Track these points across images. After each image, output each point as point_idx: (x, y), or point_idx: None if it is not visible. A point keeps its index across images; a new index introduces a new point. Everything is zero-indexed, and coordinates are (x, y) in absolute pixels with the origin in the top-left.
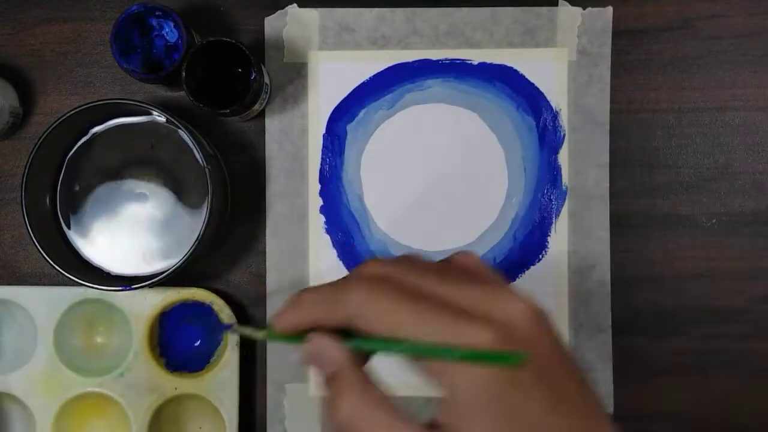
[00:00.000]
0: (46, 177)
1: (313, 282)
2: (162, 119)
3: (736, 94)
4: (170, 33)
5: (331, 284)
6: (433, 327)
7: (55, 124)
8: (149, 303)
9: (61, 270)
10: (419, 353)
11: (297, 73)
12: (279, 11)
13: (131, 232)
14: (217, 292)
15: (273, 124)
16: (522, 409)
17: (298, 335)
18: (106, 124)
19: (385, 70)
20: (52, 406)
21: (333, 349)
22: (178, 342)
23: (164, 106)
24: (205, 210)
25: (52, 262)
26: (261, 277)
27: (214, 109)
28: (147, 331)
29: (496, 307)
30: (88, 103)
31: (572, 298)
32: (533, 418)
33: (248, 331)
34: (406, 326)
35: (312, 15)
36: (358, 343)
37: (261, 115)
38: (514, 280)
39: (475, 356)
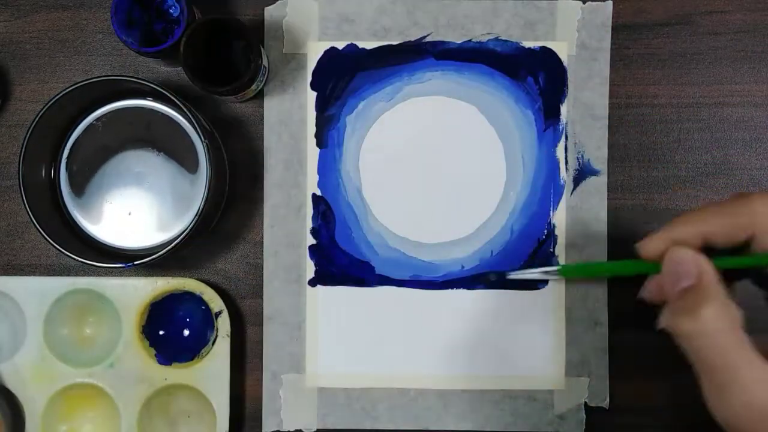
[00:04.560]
0: (44, 158)
1: (309, 273)
2: (158, 104)
3: (734, 89)
4: (174, 7)
5: (718, 204)
6: None
7: (51, 102)
8: (139, 293)
9: (60, 248)
10: None
11: (296, 63)
12: (279, 1)
13: (131, 210)
14: (210, 283)
15: (272, 115)
16: None
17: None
18: (104, 107)
19: (385, 62)
20: (41, 397)
21: (698, 260)
22: (169, 332)
23: (162, 86)
24: (204, 185)
25: (51, 240)
26: (257, 268)
27: (210, 86)
28: (137, 321)
29: None
30: (85, 80)
31: (569, 292)
32: None
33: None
34: None
35: (312, 5)
36: (730, 260)
37: (256, 100)
38: (511, 273)
39: None
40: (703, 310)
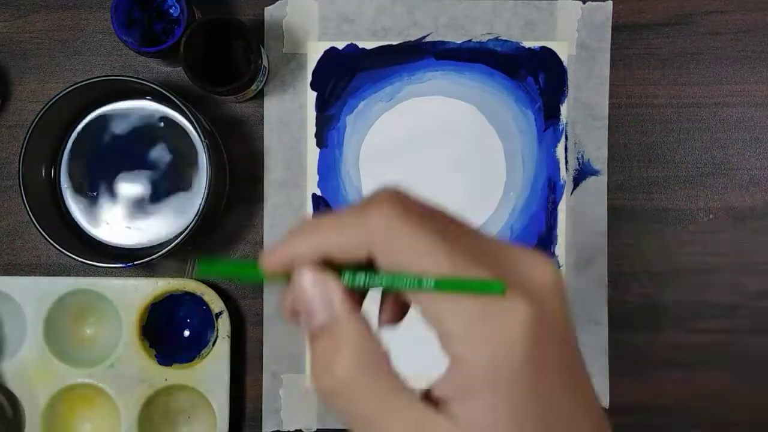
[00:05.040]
0: (44, 158)
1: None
2: (158, 104)
3: (734, 89)
4: (174, 7)
5: (343, 210)
6: (464, 272)
7: (51, 102)
8: (139, 294)
9: (60, 248)
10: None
11: (296, 63)
12: (279, 1)
13: (131, 210)
14: (210, 283)
15: (272, 115)
16: (541, 390)
17: (273, 277)
18: (104, 107)
19: (385, 62)
20: (42, 397)
21: (328, 289)
22: (169, 333)
23: (162, 86)
24: (204, 185)
25: (51, 240)
26: None
27: (210, 86)
28: (137, 321)
29: (531, 272)
30: (85, 80)
31: (569, 292)
32: (554, 400)
33: (189, 269)
34: (435, 263)
35: (312, 5)
36: (360, 278)
37: (256, 100)
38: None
39: (458, 284)
40: (338, 360)
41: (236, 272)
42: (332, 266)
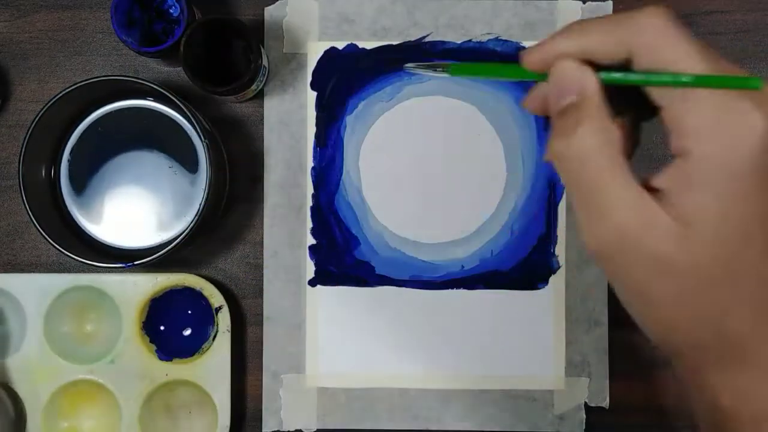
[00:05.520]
0: (44, 158)
1: (309, 273)
2: (158, 104)
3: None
4: (174, 7)
5: (609, 16)
6: (715, 68)
7: (51, 102)
8: (139, 289)
9: (60, 248)
10: (669, 83)
11: (296, 63)
12: (279, 1)
13: (131, 210)
14: (210, 280)
15: (272, 115)
16: (751, 203)
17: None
18: (104, 107)
19: (385, 61)
20: (42, 394)
21: (583, 73)
22: (169, 328)
23: (162, 86)
24: (204, 185)
25: (51, 240)
26: (257, 268)
27: (210, 86)
28: (137, 317)
29: None
30: (85, 80)
31: (569, 292)
32: (757, 216)
33: (425, 67)
34: (698, 65)
35: (312, 5)
36: (617, 73)
37: (256, 100)
38: (512, 273)
39: (716, 80)
40: (579, 128)
41: (492, 72)
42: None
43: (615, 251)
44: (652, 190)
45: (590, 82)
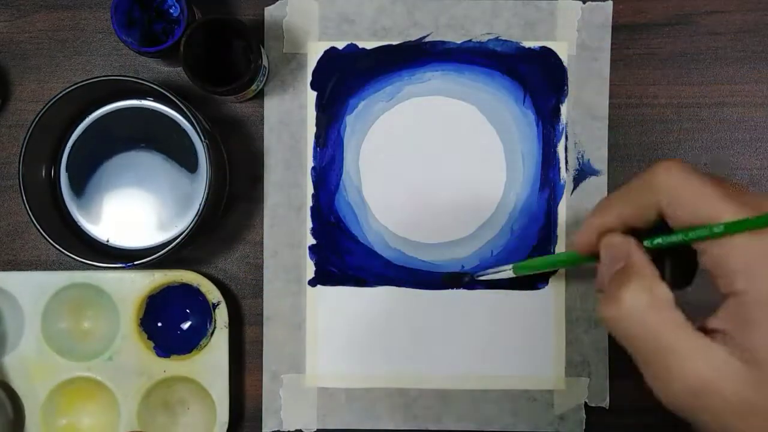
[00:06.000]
0: (44, 158)
1: (309, 273)
2: (158, 104)
3: (734, 89)
4: (174, 7)
5: (629, 183)
6: (742, 210)
7: (51, 102)
8: (136, 286)
9: (60, 248)
10: (712, 235)
11: (296, 63)
12: (279, 1)
13: (131, 210)
14: (206, 274)
15: (272, 115)
16: None
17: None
18: (104, 107)
19: (385, 61)
20: (41, 391)
21: (626, 242)
22: (166, 325)
23: (162, 86)
24: (204, 185)
25: (51, 240)
26: (257, 268)
27: (210, 86)
28: (134, 314)
29: None
30: (85, 80)
31: (569, 292)
32: None
33: (493, 274)
34: (724, 208)
35: (312, 5)
36: (658, 239)
37: (256, 100)
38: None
39: (747, 223)
40: (626, 289)
41: (551, 263)
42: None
43: (693, 403)
44: (710, 333)
45: (633, 248)
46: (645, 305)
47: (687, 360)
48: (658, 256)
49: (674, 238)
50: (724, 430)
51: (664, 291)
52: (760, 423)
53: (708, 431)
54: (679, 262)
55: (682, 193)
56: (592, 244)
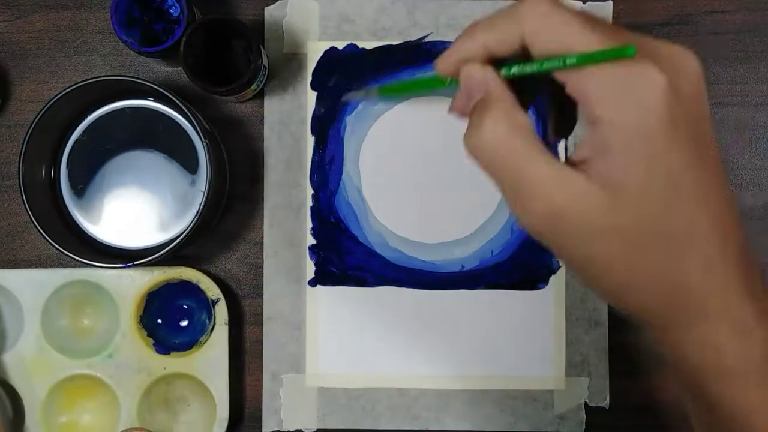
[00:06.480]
0: (44, 158)
1: (309, 273)
2: (158, 104)
3: (734, 89)
4: (174, 7)
5: (499, 11)
6: (603, 42)
7: (51, 102)
8: (136, 283)
9: (60, 248)
10: (567, 65)
11: (296, 63)
12: (279, 1)
13: (131, 210)
14: (206, 271)
15: (272, 115)
16: (669, 158)
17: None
18: (104, 107)
19: (385, 61)
20: (41, 389)
21: (484, 72)
22: (166, 322)
23: (162, 86)
24: (204, 185)
25: (51, 240)
26: (257, 268)
27: (210, 86)
28: (134, 311)
29: (674, 55)
30: (85, 80)
31: (569, 292)
32: (679, 168)
33: (360, 94)
34: (579, 40)
35: (312, 5)
36: (514, 67)
37: (256, 100)
38: (512, 273)
39: (595, 56)
40: (485, 119)
41: (415, 86)
42: (497, 64)
43: (550, 229)
44: (575, 164)
45: (491, 78)
46: (504, 131)
47: (545, 184)
48: (542, 106)
49: (529, 68)
50: (583, 259)
51: (522, 118)
52: (614, 246)
53: (565, 256)
54: (562, 110)
55: (546, 23)
56: (455, 71)
